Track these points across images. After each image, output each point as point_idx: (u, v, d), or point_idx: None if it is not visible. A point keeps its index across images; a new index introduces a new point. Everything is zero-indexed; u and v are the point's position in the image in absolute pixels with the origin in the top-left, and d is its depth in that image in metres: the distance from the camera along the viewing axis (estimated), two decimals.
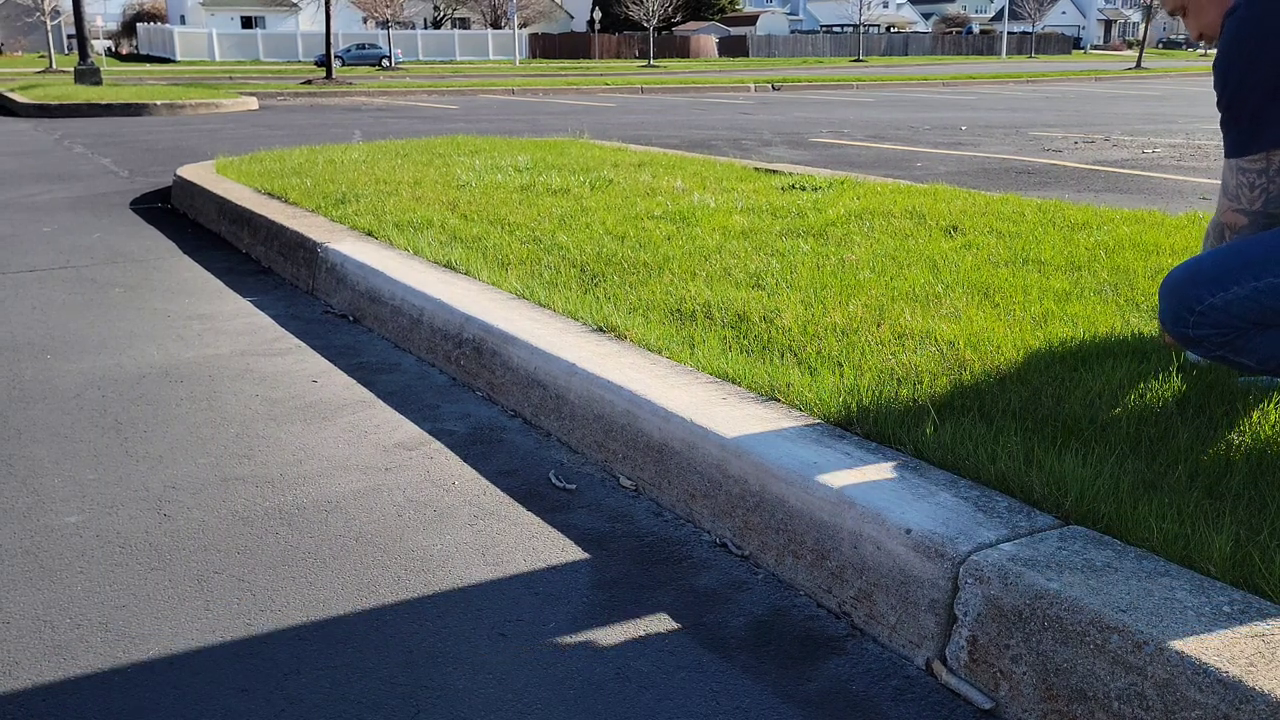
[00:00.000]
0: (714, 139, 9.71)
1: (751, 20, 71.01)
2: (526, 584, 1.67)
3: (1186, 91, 20.30)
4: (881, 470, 1.66)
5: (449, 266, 3.29)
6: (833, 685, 1.41)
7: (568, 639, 1.52)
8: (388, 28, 39.26)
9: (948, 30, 78.47)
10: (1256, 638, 1.18)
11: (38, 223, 5.14)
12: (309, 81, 23.00)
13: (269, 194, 4.92)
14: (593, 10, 55.67)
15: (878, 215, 3.93)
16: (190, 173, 5.82)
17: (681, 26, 63.93)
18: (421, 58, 50.70)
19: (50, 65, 27.29)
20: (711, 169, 5.66)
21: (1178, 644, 1.17)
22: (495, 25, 58.95)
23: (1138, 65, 37.00)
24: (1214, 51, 1.78)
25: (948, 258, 3.16)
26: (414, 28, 58.02)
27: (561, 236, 3.64)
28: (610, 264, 3.19)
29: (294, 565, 1.73)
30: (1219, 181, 1.88)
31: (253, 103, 15.76)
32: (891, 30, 73.41)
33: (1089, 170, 7.05)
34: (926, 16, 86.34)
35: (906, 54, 62.98)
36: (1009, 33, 61.30)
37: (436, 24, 61.93)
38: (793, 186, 4.88)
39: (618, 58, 52.79)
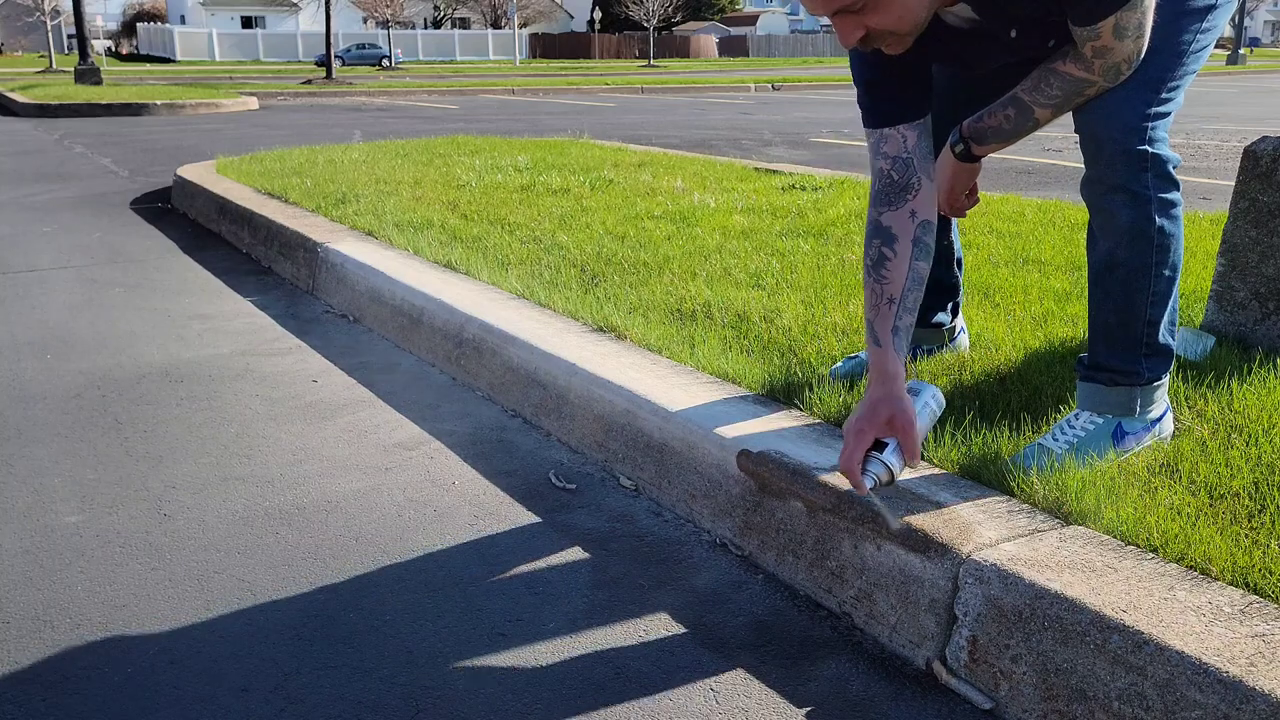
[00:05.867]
0: (714, 139, 9.71)
1: (751, 20, 71.03)
2: (526, 584, 1.67)
3: (1186, 91, 20.29)
4: None
5: (449, 266, 3.29)
6: (833, 685, 1.41)
7: (568, 639, 1.52)
8: (388, 28, 39.27)
9: None
10: (1256, 638, 1.18)
11: (38, 223, 5.14)
12: (309, 81, 23.01)
13: (269, 194, 4.92)
14: (593, 10, 55.68)
15: None
16: (190, 172, 5.83)
17: (681, 26, 63.93)
18: (421, 58, 50.71)
19: (50, 65, 27.29)
20: (711, 169, 5.66)
21: (1178, 644, 1.17)
22: (495, 25, 58.94)
23: None
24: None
25: None
26: (414, 28, 58.02)
27: (562, 236, 3.64)
28: (610, 264, 3.19)
29: (294, 565, 1.73)
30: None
31: (253, 103, 15.76)
32: None
33: None
34: None
35: None
36: None
37: (436, 24, 61.92)
38: (793, 186, 4.88)
39: (618, 58, 52.77)
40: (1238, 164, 2.31)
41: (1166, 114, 1.60)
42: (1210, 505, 1.50)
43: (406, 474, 2.11)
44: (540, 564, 1.74)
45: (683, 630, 1.54)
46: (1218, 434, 1.75)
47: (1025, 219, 3.85)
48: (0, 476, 2.08)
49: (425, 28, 60.22)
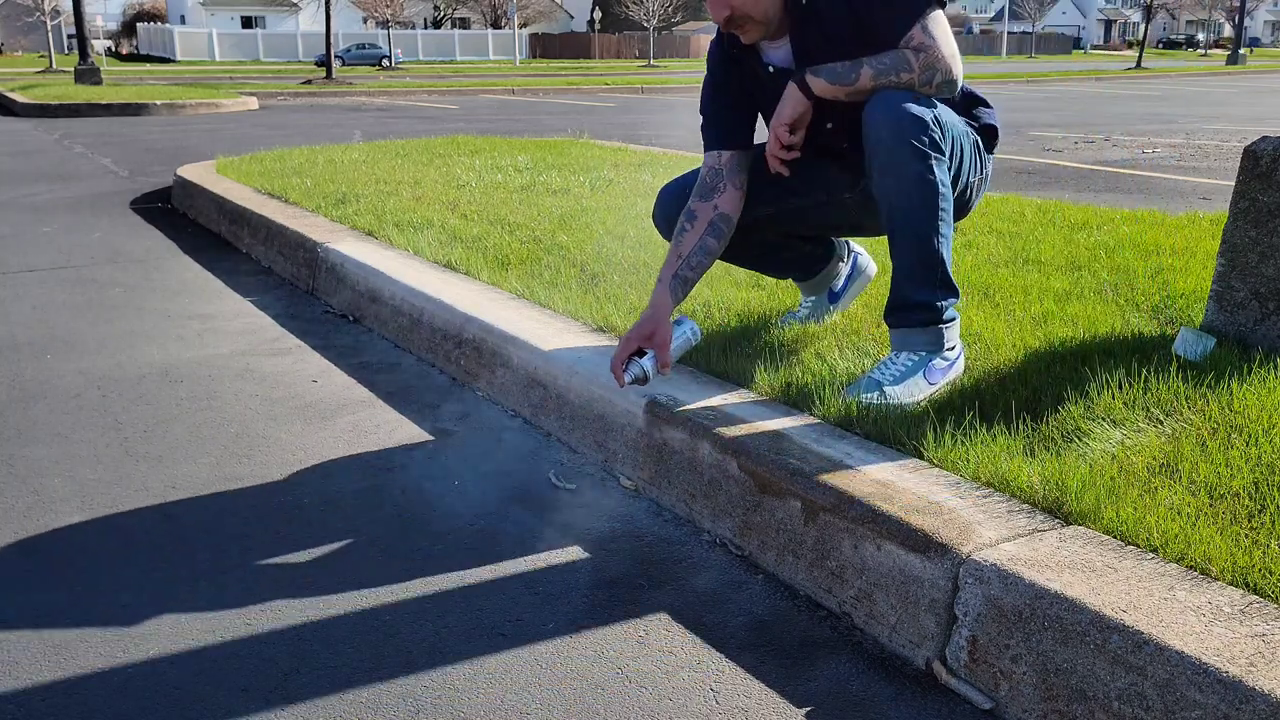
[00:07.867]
0: None
1: None
2: (526, 584, 1.67)
3: (1186, 91, 20.30)
4: (882, 470, 1.66)
5: (449, 266, 3.29)
6: (833, 685, 1.41)
7: (568, 639, 1.52)
8: (388, 28, 39.27)
9: None
10: (1256, 638, 1.18)
11: (38, 223, 5.14)
12: (309, 81, 23.00)
13: (269, 194, 4.92)
14: (593, 10, 55.68)
15: None
16: (190, 172, 5.83)
17: (681, 26, 63.90)
18: (421, 58, 50.69)
19: (50, 65, 27.27)
20: None
21: (1178, 644, 1.17)
22: (495, 25, 58.94)
23: (1138, 65, 36.98)
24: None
25: None
26: (414, 28, 58.00)
27: (562, 236, 3.64)
28: (610, 264, 3.19)
29: (294, 565, 1.73)
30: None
31: (253, 103, 15.76)
32: None
33: (1089, 170, 7.05)
34: None
35: None
36: (1009, 32, 61.26)
37: (436, 24, 61.93)
38: None
39: (618, 58, 52.76)
40: (1238, 164, 2.31)
41: (941, 119, 1.93)
42: (1210, 505, 1.50)
43: (406, 474, 2.11)
44: (540, 564, 1.74)
45: (682, 630, 1.54)
46: (1218, 434, 1.75)
47: (1025, 219, 3.85)
48: (0, 476, 2.08)
49: (425, 28, 60.21)
